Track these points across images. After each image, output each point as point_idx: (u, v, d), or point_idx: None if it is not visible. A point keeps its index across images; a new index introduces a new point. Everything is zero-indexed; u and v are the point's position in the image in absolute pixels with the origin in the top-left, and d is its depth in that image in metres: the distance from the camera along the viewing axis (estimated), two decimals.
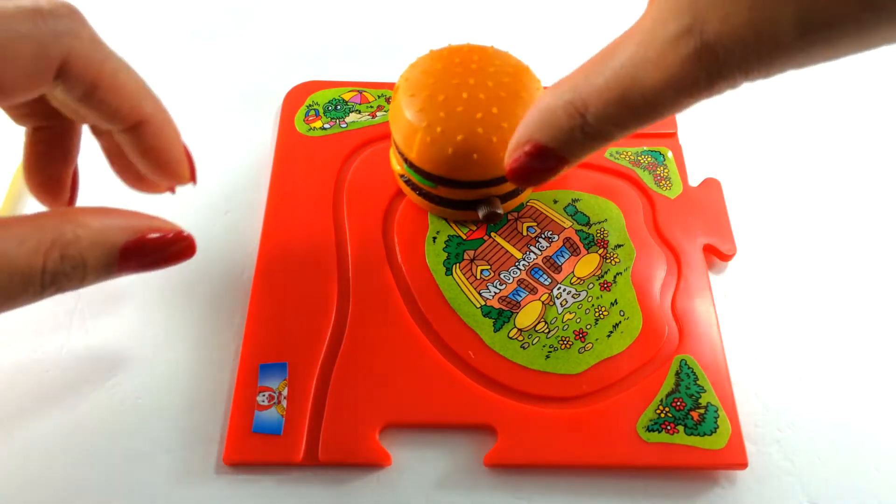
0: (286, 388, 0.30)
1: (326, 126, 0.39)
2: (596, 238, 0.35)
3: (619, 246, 0.35)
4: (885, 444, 0.31)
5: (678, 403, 0.30)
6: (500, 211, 0.33)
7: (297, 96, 0.40)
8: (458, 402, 0.30)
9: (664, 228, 0.35)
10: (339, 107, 0.40)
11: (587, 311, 0.33)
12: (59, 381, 0.31)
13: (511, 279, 0.34)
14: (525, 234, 0.35)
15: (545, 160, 0.23)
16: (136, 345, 0.32)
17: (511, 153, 0.24)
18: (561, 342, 0.32)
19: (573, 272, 0.34)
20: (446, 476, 0.29)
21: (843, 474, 0.30)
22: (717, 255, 0.35)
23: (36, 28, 0.21)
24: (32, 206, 0.34)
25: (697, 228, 0.35)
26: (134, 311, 0.33)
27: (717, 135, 0.41)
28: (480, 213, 0.33)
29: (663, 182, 0.37)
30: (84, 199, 0.29)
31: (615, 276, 0.34)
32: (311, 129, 0.39)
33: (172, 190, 0.28)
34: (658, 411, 0.30)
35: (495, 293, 0.33)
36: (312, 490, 0.29)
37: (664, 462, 0.29)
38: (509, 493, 0.29)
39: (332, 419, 0.29)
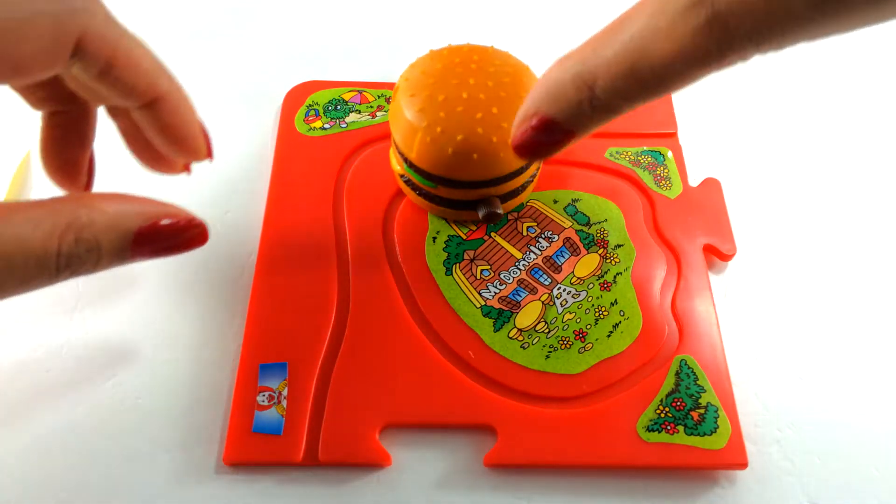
0: (286, 388, 0.30)
1: (326, 126, 0.39)
2: (596, 238, 0.35)
3: (619, 246, 0.35)
4: (885, 444, 0.31)
5: (678, 403, 0.30)
6: (500, 211, 0.33)
7: (297, 96, 0.40)
8: (458, 402, 0.30)
9: (664, 228, 0.35)
10: (339, 107, 0.40)
11: (587, 311, 0.33)
12: (60, 381, 0.31)
13: (511, 279, 0.34)
14: (525, 234, 0.35)
15: (552, 133, 0.23)
16: (136, 345, 0.32)
17: (517, 126, 0.24)
18: (561, 342, 0.32)
19: (573, 272, 0.34)
20: (446, 476, 0.29)
21: (843, 474, 0.30)
22: (717, 255, 0.35)
23: (53, 5, 0.21)
24: (36, 197, 0.34)
25: (697, 228, 0.35)
26: (134, 311, 0.33)
27: (717, 135, 0.41)
28: (480, 213, 0.33)
29: (663, 182, 0.37)
30: (96, 186, 0.29)
31: (615, 276, 0.34)
32: (311, 129, 0.39)
33: (188, 169, 0.29)
34: (658, 411, 0.30)
35: (495, 293, 0.33)
36: (312, 490, 0.29)
37: (664, 462, 0.29)
38: (509, 493, 0.29)
39: (332, 419, 0.29)
